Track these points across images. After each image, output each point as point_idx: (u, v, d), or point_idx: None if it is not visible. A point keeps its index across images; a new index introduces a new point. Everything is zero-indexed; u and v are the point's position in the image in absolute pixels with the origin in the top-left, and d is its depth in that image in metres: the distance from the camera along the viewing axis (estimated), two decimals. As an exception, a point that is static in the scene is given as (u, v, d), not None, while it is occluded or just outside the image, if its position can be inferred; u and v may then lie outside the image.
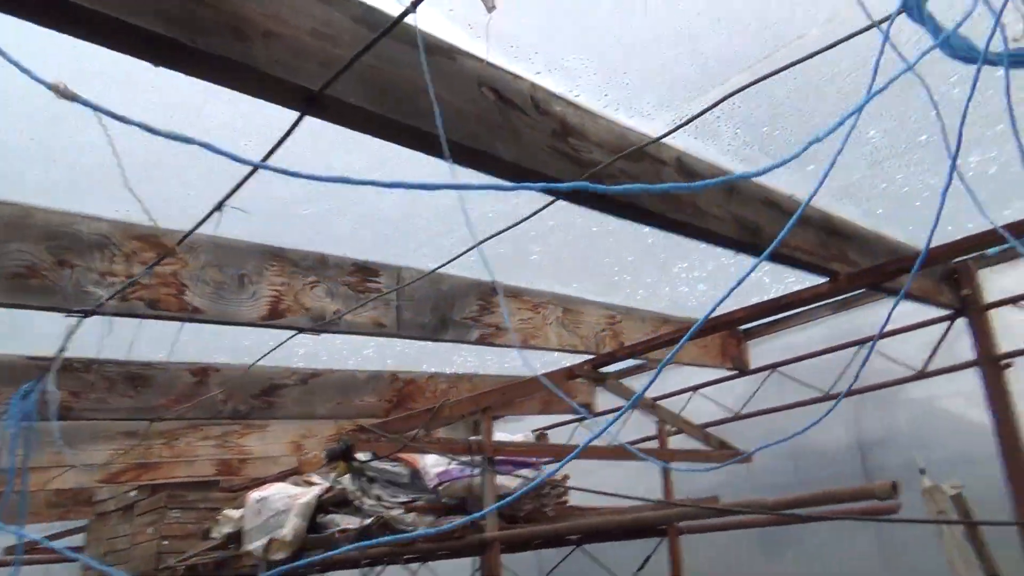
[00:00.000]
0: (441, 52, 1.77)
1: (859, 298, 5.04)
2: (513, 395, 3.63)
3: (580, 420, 6.21)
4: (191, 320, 2.64)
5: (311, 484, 4.59)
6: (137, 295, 2.50)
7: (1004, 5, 0.79)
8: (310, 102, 1.41)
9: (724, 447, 4.42)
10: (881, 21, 1.48)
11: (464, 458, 3.59)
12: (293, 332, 2.94)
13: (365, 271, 3.17)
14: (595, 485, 4.57)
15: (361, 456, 3.73)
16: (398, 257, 3.27)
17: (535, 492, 3.85)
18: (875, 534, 4.49)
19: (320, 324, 2.94)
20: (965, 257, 4.22)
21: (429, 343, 4.58)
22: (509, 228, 2.31)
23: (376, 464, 3.97)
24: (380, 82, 1.55)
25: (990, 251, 4.33)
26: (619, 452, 3.89)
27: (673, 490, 4.14)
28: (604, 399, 6.37)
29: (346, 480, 4.05)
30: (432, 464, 3.75)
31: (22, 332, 3.81)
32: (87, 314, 2.42)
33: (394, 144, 1.66)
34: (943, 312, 4.41)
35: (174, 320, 2.63)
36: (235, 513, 4.49)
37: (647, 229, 3.32)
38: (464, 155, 1.74)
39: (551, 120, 2.02)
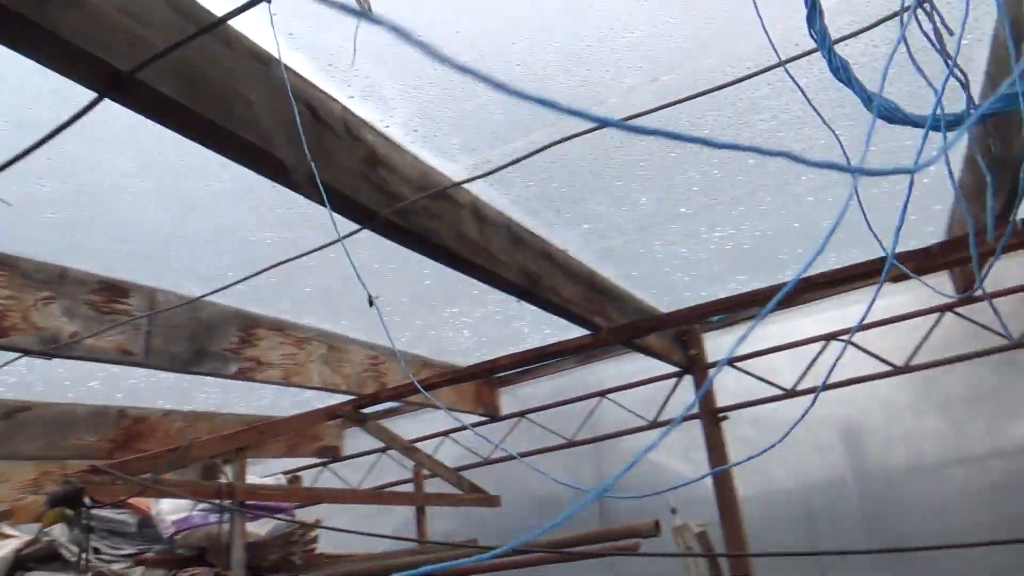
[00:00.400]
0: (259, 59, 1.65)
1: (600, 353, 5.44)
2: (271, 434, 3.39)
3: (325, 464, 5.96)
4: None
5: (5, 536, 3.89)
6: None
7: (945, 82, 0.90)
8: (113, 83, 1.23)
9: (475, 490, 4.47)
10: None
11: (208, 503, 3.26)
12: (16, 355, 2.50)
13: (113, 290, 2.80)
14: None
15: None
16: (154, 278, 2.94)
17: (283, 540, 3.59)
18: (615, 572, 4.80)
19: (53, 347, 2.54)
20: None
21: (169, 376, 4.16)
22: (288, 258, 2.18)
23: (96, 512, 3.47)
24: (193, 77, 1.40)
25: (715, 318, 4.92)
26: (378, 496, 3.78)
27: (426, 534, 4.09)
28: (352, 443, 6.20)
29: (56, 531, 3.48)
30: (168, 510, 3.35)
31: None
32: None
33: (201, 145, 1.50)
34: (673, 369, 4.91)
35: None
36: None
37: (427, 270, 3.33)
38: (278, 170, 1.61)
39: (362, 148, 1.96)
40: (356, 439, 6.28)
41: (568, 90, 2.11)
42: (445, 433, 5.50)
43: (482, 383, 5.39)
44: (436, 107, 2.09)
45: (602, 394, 5.08)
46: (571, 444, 5.06)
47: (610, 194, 2.81)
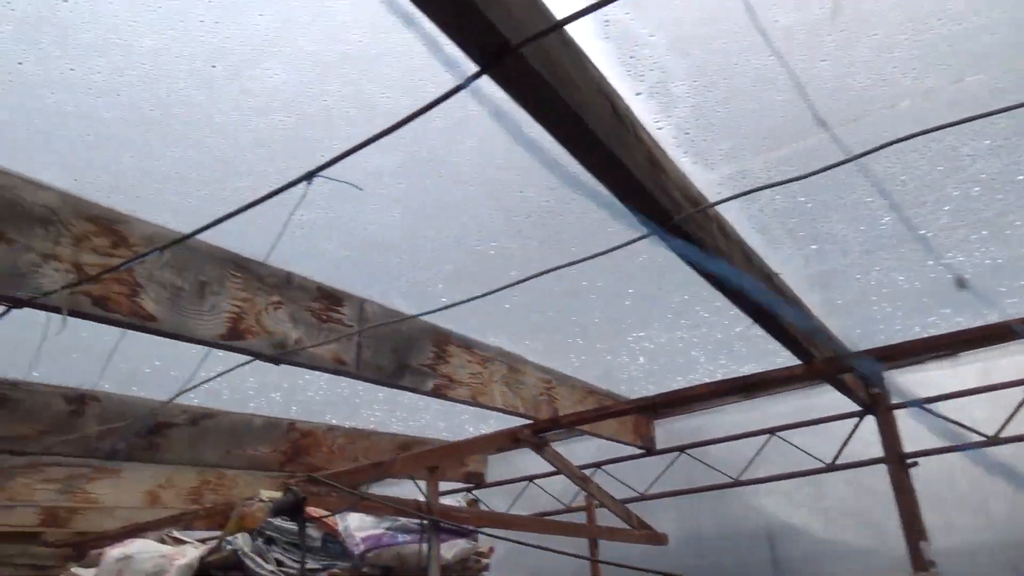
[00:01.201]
0: (571, 47, 1.55)
1: (765, 389, 5.15)
2: (460, 454, 3.30)
3: (469, 489, 5.86)
4: (144, 329, 2.14)
5: (180, 542, 3.94)
6: (83, 289, 1.99)
7: None
8: (498, 56, 1.14)
9: (643, 526, 4.26)
10: None
11: (398, 522, 3.19)
12: (248, 358, 2.48)
13: (330, 298, 2.78)
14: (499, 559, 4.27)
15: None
16: (363, 286, 2.90)
17: (461, 564, 3.48)
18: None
19: (281, 352, 2.51)
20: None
21: (342, 390, 4.16)
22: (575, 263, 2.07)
23: (278, 523, 3.45)
24: (549, 59, 1.30)
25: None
26: (553, 526, 3.64)
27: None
28: (495, 469, 6.08)
29: (240, 540, 3.48)
30: (356, 527, 3.30)
31: None
32: (18, 303, 1.88)
33: (547, 131, 1.40)
34: (852, 408, 4.57)
35: (124, 326, 2.13)
36: (85, 573, 3.73)
37: (631, 290, 3.19)
38: (599, 158, 1.51)
39: (644, 148, 1.84)
40: (493, 467, 6.18)
41: (862, 90, 1.94)
42: (598, 464, 5.31)
43: (639, 414, 5.18)
44: (716, 108, 1.96)
45: (771, 431, 4.78)
46: (737, 483, 4.77)
47: (854, 211, 2.60)
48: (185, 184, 2.07)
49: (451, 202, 2.31)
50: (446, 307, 2.62)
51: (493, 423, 5.12)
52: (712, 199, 2.28)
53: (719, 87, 1.87)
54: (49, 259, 1.95)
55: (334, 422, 4.61)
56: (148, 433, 3.64)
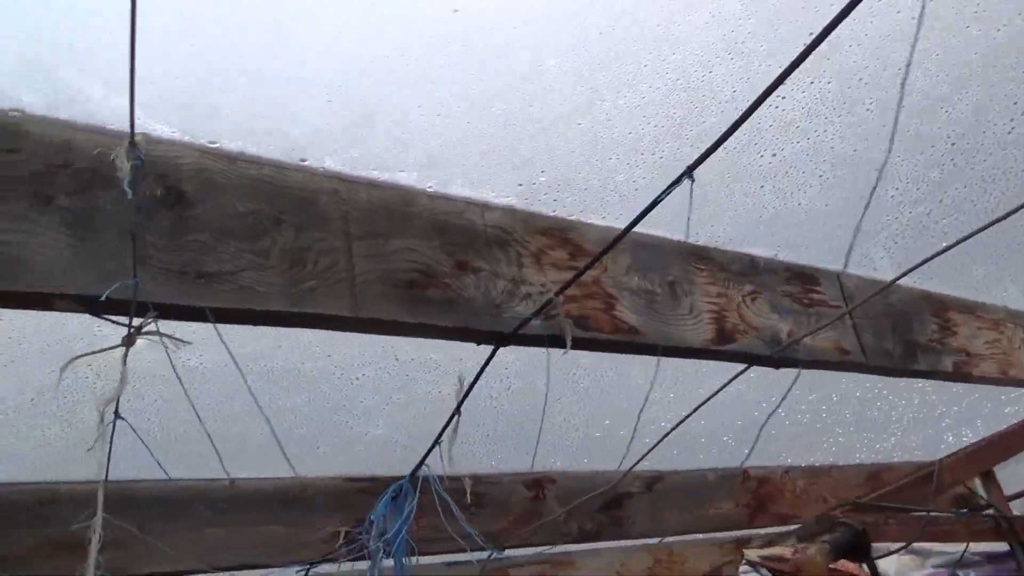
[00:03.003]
0: None
1: None
2: (1017, 446, 2.45)
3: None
4: (630, 347, 1.75)
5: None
6: (562, 310, 1.65)
7: None
8: None
9: None
10: None
11: (952, 556, 2.39)
12: (743, 366, 1.98)
13: (803, 278, 2.21)
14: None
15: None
16: (834, 252, 2.28)
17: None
18: None
19: (778, 350, 1.97)
20: None
21: (796, 419, 3.51)
22: None
23: None
24: None
25: None
26: None
27: None
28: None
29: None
30: (898, 572, 2.55)
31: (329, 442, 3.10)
32: (503, 339, 1.58)
33: None
34: None
35: (608, 347, 1.75)
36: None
37: None
38: None
39: None
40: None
41: None
42: None
43: None
44: None
45: None
46: None
47: None
48: (636, 150, 1.66)
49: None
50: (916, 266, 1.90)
51: (980, 425, 4.08)
52: None
53: None
54: (518, 284, 1.63)
55: (789, 461, 3.92)
56: (608, 508, 3.27)
